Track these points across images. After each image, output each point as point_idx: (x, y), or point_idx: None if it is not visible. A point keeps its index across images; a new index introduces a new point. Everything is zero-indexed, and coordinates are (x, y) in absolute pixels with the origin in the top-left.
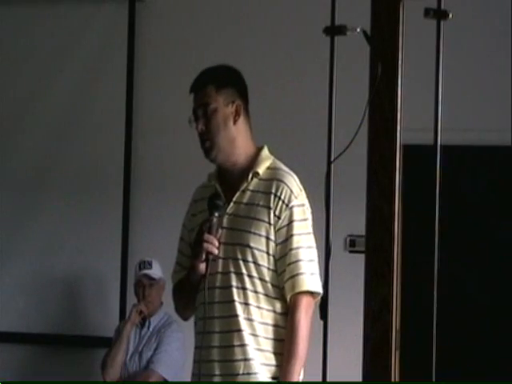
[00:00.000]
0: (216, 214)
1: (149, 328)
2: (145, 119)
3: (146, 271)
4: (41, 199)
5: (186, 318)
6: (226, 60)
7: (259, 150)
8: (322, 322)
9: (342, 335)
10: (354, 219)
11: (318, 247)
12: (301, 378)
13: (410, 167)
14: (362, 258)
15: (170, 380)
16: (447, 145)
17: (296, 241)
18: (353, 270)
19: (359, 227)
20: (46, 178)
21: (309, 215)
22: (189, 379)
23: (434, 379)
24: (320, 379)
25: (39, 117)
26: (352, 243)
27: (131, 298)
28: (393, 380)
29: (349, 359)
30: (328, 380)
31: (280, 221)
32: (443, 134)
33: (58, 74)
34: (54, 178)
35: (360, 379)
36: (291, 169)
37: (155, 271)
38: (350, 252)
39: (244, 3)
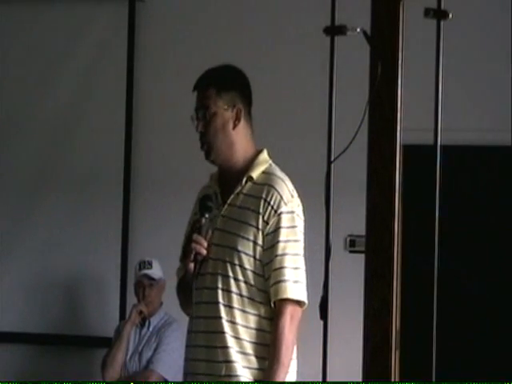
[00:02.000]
0: (206, 216)
1: (149, 328)
2: (145, 119)
3: (146, 271)
4: (41, 199)
5: (188, 314)
6: (225, 60)
7: (258, 153)
8: (321, 322)
9: (342, 335)
10: (353, 219)
11: (317, 247)
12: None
13: (410, 167)
14: (361, 257)
15: (169, 380)
16: (447, 145)
17: (282, 247)
18: (353, 270)
19: (359, 227)
20: (46, 178)
21: (299, 222)
22: None
23: (433, 379)
24: (320, 379)
25: (39, 116)
26: (352, 243)
27: (131, 298)
28: (393, 380)
29: (349, 359)
30: (328, 380)
31: (268, 226)
32: (443, 134)
33: (57, 73)
34: (53, 178)
35: (360, 379)
36: (292, 169)
37: (155, 271)
38: (350, 252)
39: (244, 3)
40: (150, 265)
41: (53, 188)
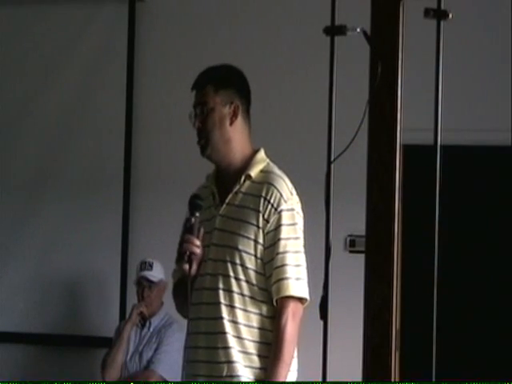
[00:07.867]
0: (197, 214)
1: (149, 328)
2: (145, 119)
3: (146, 273)
4: (41, 199)
5: (185, 316)
6: (225, 60)
7: (255, 152)
8: (321, 322)
9: (342, 335)
10: (354, 219)
11: (318, 247)
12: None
13: (410, 167)
14: (361, 257)
15: (169, 380)
16: (447, 145)
17: (283, 245)
18: (353, 270)
19: (359, 227)
20: (47, 178)
21: (298, 220)
22: None
23: (433, 379)
24: (320, 379)
25: (39, 117)
26: (352, 243)
27: (131, 298)
28: (393, 380)
29: (349, 359)
30: (328, 380)
31: (268, 224)
32: (443, 134)
33: (58, 74)
34: (54, 178)
35: (360, 379)
36: (292, 169)
37: (155, 273)
38: (350, 252)
39: (244, 3)
40: (150, 266)
41: (53, 188)
